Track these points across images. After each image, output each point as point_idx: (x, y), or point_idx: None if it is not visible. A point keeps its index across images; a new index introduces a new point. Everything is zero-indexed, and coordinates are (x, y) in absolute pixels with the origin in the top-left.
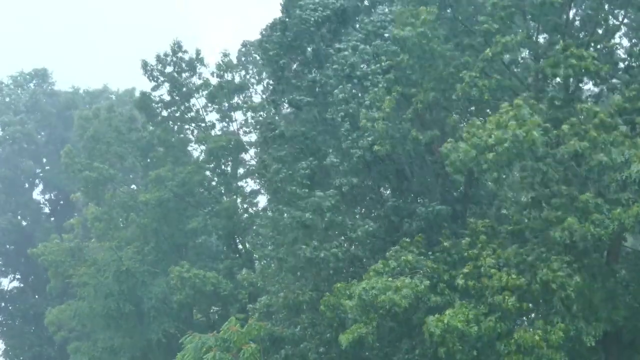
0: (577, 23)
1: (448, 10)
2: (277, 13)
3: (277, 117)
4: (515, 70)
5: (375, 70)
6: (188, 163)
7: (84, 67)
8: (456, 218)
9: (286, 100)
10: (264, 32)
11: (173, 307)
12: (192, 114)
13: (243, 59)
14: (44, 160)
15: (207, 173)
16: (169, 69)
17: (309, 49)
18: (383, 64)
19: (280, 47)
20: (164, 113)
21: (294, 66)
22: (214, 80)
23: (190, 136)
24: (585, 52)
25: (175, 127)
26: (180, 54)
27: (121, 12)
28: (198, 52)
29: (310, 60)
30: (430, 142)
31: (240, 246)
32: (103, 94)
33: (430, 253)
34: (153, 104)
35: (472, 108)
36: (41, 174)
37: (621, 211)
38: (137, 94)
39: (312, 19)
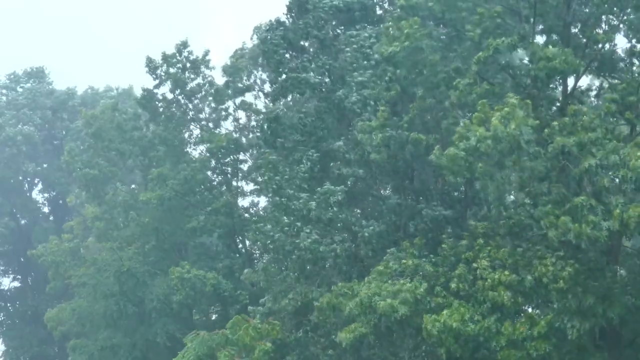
0: (577, 23)
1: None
2: (278, 13)
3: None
4: (510, 72)
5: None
6: (190, 162)
7: (80, 65)
8: (457, 219)
9: (289, 85)
10: (267, 26)
11: (173, 307)
12: (193, 113)
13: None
14: (42, 159)
15: (208, 173)
16: (173, 69)
17: (311, 40)
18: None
19: (283, 40)
20: (167, 111)
21: (298, 60)
22: (219, 80)
23: (188, 138)
24: (554, 50)
25: (179, 126)
26: (185, 54)
27: (120, 10)
28: (206, 53)
29: (318, 48)
30: (428, 145)
31: (240, 245)
32: (105, 92)
33: (430, 255)
34: (155, 102)
35: (468, 113)
36: (40, 173)
37: (620, 212)
38: (135, 92)
39: (330, 2)
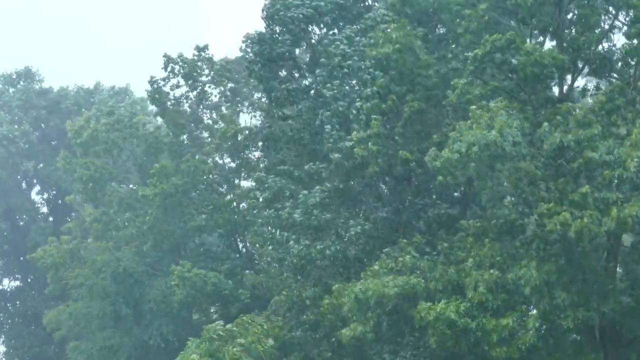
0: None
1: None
2: None
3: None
4: (506, 71)
5: (368, 67)
6: (193, 159)
7: (80, 65)
8: (456, 219)
9: (277, 114)
10: (244, 47)
11: (174, 307)
12: (201, 111)
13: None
14: (40, 159)
15: (210, 175)
16: (187, 67)
17: (298, 50)
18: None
19: (264, 60)
20: (176, 107)
21: (284, 74)
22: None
23: (196, 128)
24: (542, 48)
25: (187, 119)
26: (203, 56)
27: (120, 10)
28: (227, 61)
29: (302, 62)
30: (423, 151)
31: (240, 245)
32: (96, 91)
33: (427, 253)
34: (165, 96)
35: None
36: (38, 173)
37: (617, 211)
38: (133, 90)
39: (302, 13)
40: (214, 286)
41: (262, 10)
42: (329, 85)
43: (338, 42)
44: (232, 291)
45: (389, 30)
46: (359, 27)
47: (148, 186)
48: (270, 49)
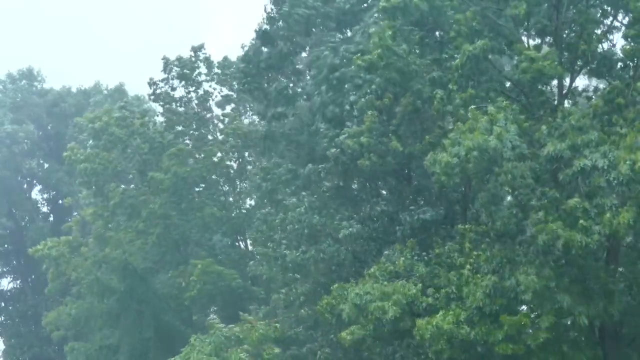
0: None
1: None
2: None
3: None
4: (498, 75)
5: (358, 71)
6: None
7: (80, 65)
8: (455, 220)
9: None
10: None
11: (177, 304)
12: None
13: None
14: (41, 159)
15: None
16: (187, 70)
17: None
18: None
19: (260, 68)
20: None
21: (278, 82)
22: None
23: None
24: (536, 54)
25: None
26: (201, 57)
27: (120, 10)
28: (226, 61)
29: (299, 69)
30: (419, 152)
31: (242, 244)
32: (94, 91)
33: (424, 255)
34: (169, 96)
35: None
36: (39, 173)
37: (610, 217)
38: (127, 90)
39: (306, 13)
40: (236, 284)
41: (269, 11)
42: (317, 92)
43: (327, 53)
44: (246, 288)
45: (372, 34)
46: (349, 34)
47: (164, 168)
48: (269, 54)
